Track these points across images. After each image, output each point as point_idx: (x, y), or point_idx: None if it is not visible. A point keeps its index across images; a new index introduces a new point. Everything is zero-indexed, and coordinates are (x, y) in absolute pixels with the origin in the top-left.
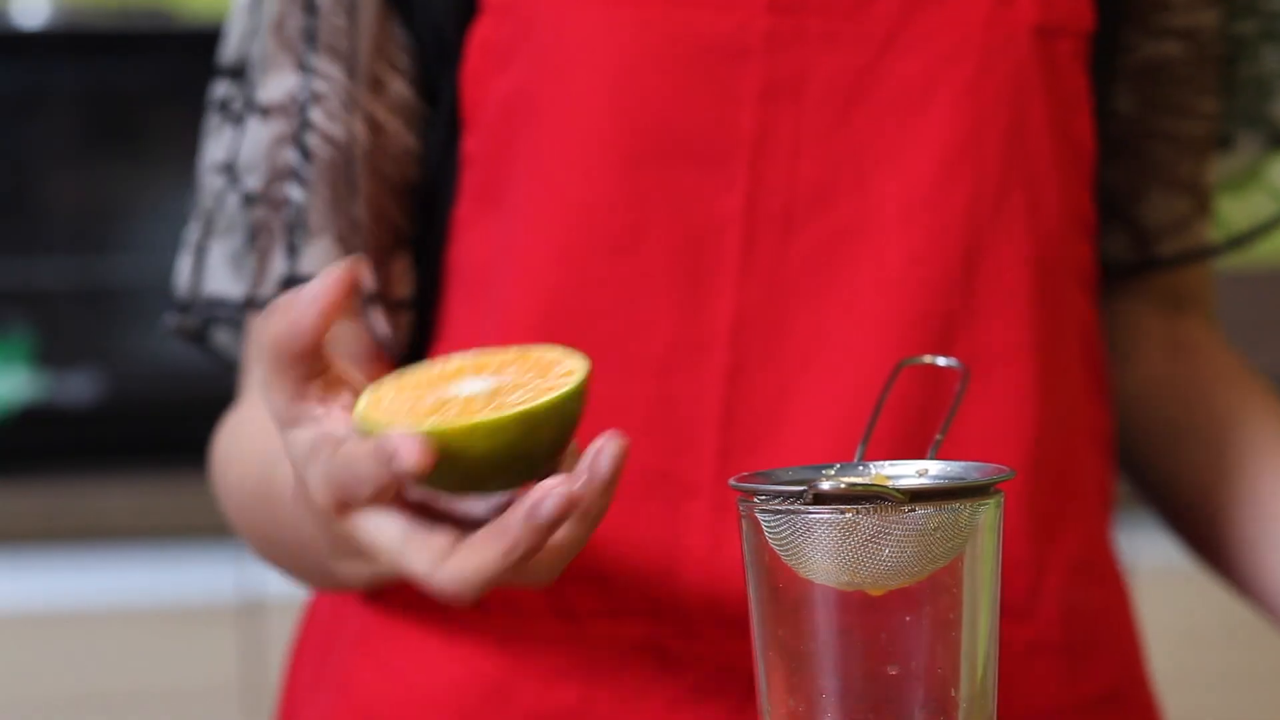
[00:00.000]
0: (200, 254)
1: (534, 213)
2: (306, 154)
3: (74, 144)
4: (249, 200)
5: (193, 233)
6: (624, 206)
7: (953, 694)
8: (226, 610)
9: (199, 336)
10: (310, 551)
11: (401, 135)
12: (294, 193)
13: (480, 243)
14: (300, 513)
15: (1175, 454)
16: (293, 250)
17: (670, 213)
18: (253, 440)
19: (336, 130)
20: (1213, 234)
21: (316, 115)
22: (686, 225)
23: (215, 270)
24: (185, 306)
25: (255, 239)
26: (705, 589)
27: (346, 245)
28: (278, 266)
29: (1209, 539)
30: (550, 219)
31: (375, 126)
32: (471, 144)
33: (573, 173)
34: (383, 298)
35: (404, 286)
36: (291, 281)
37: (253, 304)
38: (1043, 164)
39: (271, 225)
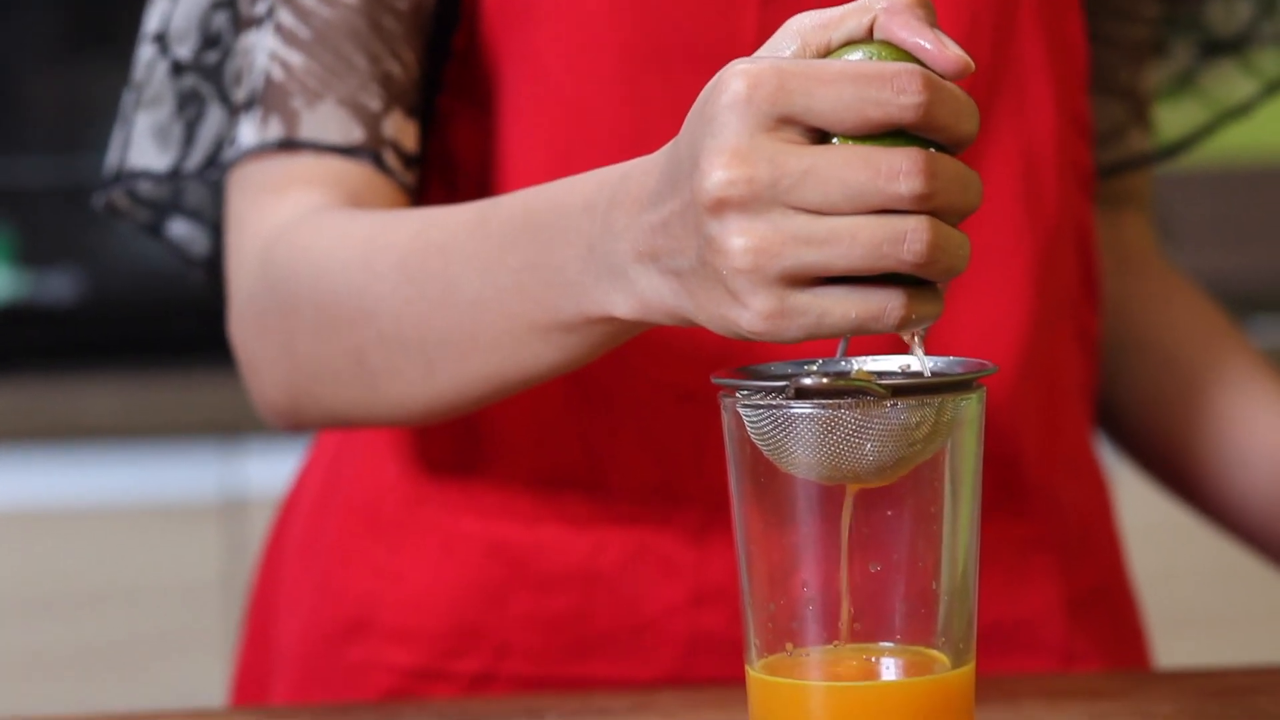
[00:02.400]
0: (128, 126)
1: (530, 113)
2: (303, 15)
3: (54, 42)
4: (178, 69)
5: (125, 105)
6: (623, 109)
7: (934, 587)
8: (209, 508)
9: (153, 228)
10: (516, 301)
11: None
12: (292, 57)
13: (467, 139)
14: (594, 227)
15: (1125, 374)
16: (294, 116)
17: (670, 116)
18: (384, 216)
19: None
20: (1149, 142)
21: None
22: None
23: (140, 142)
24: (112, 181)
25: (182, 109)
26: (705, 496)
27: (351, 108)
28: (246, 134)
29: (1161, 460)
30: (547, 121)
31: None
32: (461, 40)
33: (570, 75)
34: (396, 149)
35: (414, 142)
36: (291, 145)
37: (178, 176)
38: (1034, 64)
39: (202, 93)
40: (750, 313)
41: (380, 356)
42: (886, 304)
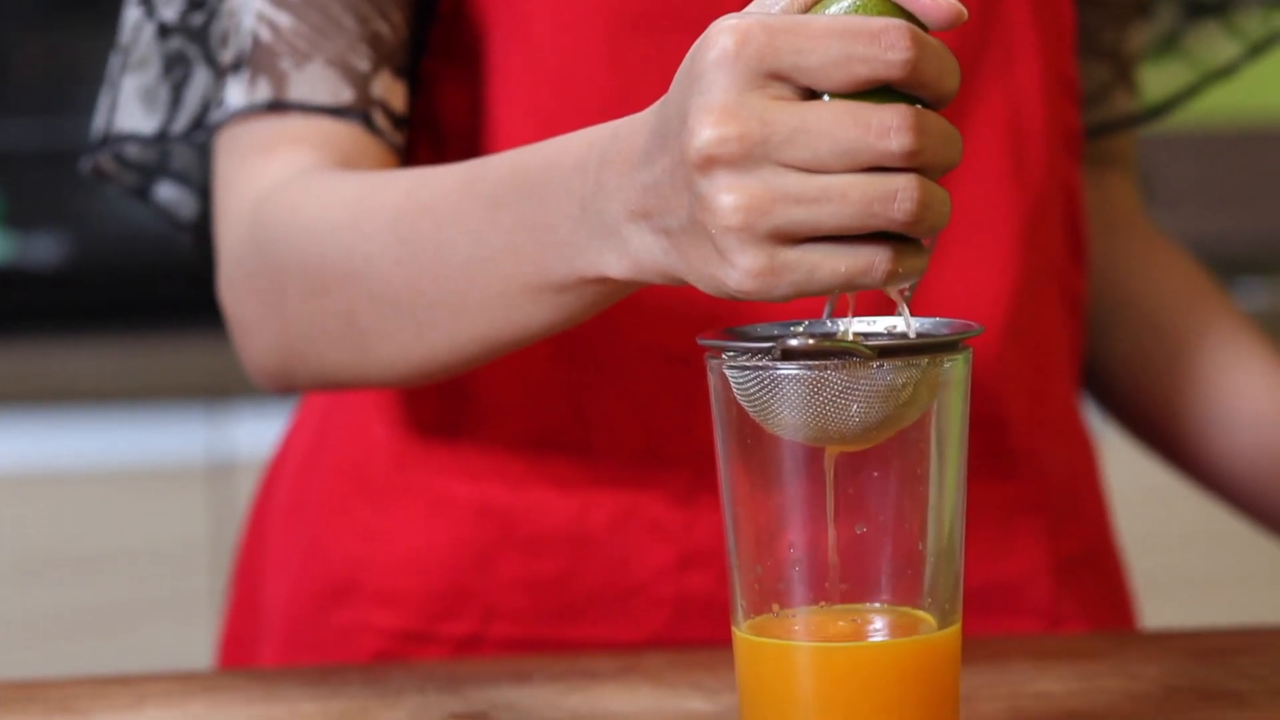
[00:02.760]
0: (115, 89)
1: (515, 76)
2: None
3: (40, 5)
4: (164, 31)
5: (112, 68)
6: (608, 74)
7: (920, 549)
8: (196, 471)
9: (141, 191)
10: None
11: None
12: (280, 17)
13: (453, 101)
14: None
15: (1108, 336)
16: (282, 77)
17: (656, 79)
18: (374, 177)
19: None
20: (1133, 103)
21: None
22: None
23: (127, 105)
24: (99, 144)
25: (169, 71)
26: (693, 459)
27: (340, 68)
28: (234, 95)
29: (1146, 423)
30: (532, 83)
31: None
32: (447, 2)
33: (556, 37)
34: (385, 109)
35: (402, 103)
36: (279, 106)
37: (165, 138)
38: (1020, 25)
39: (188, 55)
40: (738, 271)
41: (371, 318)
42: (874, 259)
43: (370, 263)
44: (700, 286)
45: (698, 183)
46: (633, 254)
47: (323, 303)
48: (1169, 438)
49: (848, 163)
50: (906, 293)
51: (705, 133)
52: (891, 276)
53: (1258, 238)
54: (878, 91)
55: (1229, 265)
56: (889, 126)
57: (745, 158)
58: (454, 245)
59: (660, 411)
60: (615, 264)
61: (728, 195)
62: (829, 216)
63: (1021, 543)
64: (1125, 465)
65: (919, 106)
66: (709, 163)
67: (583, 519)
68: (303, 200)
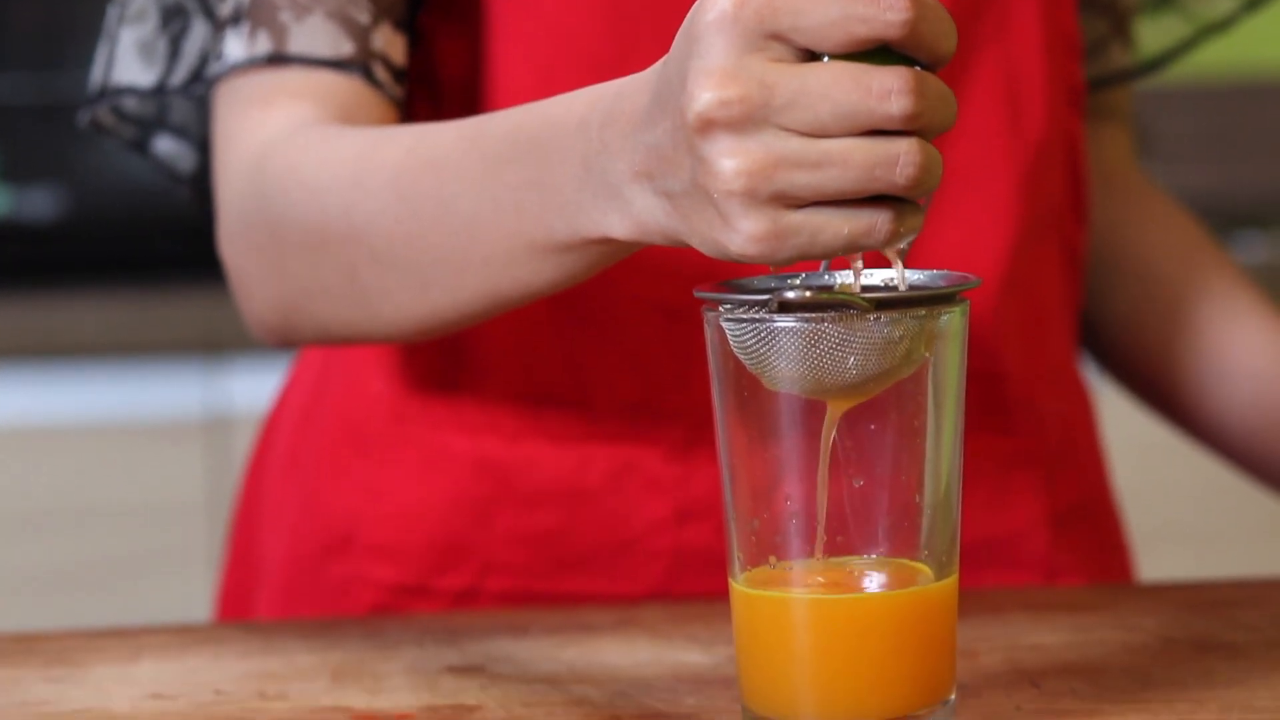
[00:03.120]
0: (112, 42)
1: (512, 31)
2: None
3: None
4: None
5: (109, 21)
6: (606, 27)
7: (917, 501)
8: (193, 426)
9: (139, 145)
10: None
11: None
12: None
13: (450, 56)
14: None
15: (1104, 291)
16: (282, 29)
17: (653, 36)
18: (374, 133)
19: None
20: (1129, 57)
21: None
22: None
23: (125, 58)
24: (97, 98)
25: (167, 24)
26: (689, 413)
27: (340, 20)
28: (233, 48)
29: (1142, 377)
30: (529, 38)
31: None
32: None
33: None
34: (385, 62)
35: (402, 55)
36: (279, 59)
37: (163, 91)
38: None
39: (186, 8)
40: (741, 235)
41: (372, 274)
42: (876, 221)
43: (371, 220)
44: (702, 249)
45: (698, 146)
46: (635, 215)
47: (323, 259)
48: (1165, 393)
49: (848, 126)
50: (903, 249)
51: (704, 96)
52: (893, 236)
53: (1255, 192)
54: (875, 53)
55: (1227, 219)
56: (889, 89)
57: (746, 121)
58: (456, 203)
59: (657, 366)
60: (618, 224)
61: (729, 160)
62: (831, 181)
63: (1018, 496)
64: (1122, 418)
65: (918, 69)
66: (708, 125)
67: (580, 473)
68: (303, 156)
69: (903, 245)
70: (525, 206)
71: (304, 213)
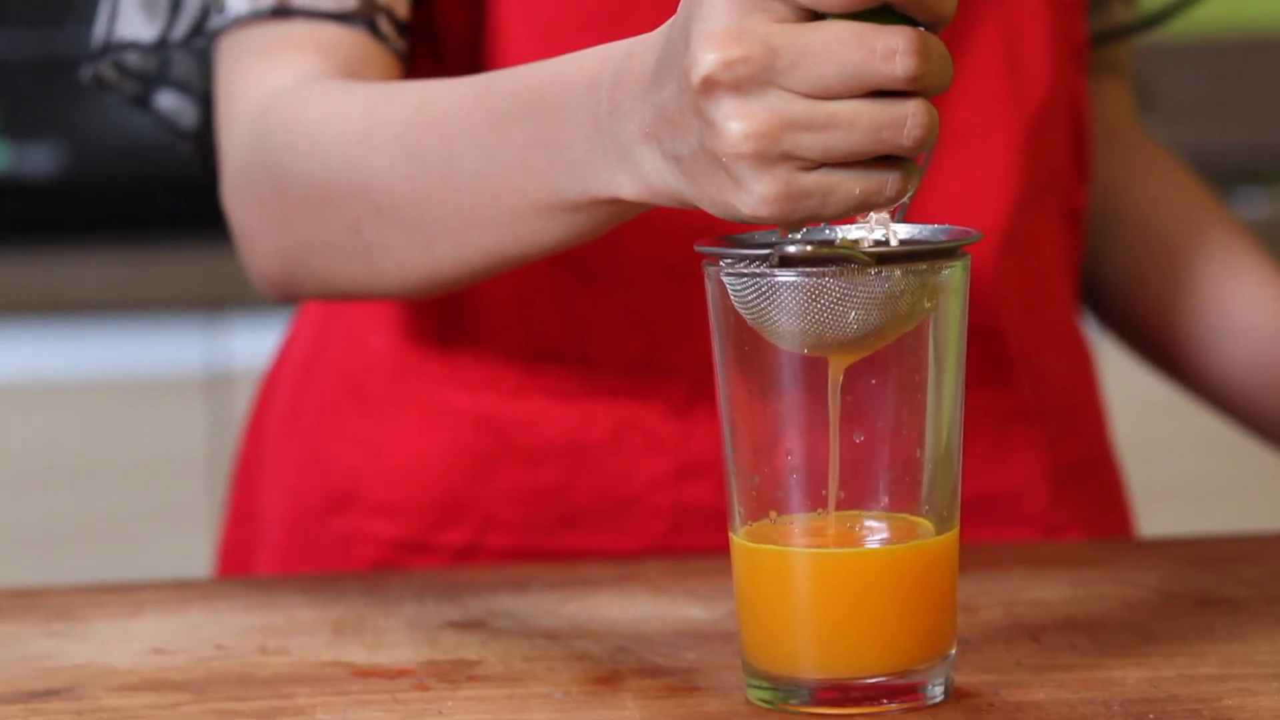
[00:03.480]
0: None
1: None
2: None
3: None
4: None
5: None
6: None
7: (918, 456)
8: (194, 382)
9: (141, 100)
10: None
11: None
12: None
13: (452, 11)
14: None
15: (1105, 247)
16: None
17: None
18: (380, 89)
19: None
20: (1131, 12)
21: None
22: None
23: (127, 12)
24: (100, 53)
25: None
26: (690, 370)
27: None
28: (236, 1)
29: (1143, 334)
30: None
31: None
32: None
33: None
34: (389, 15)
35: (405, 8)
36: (283, 11)
37: (165, 46)
38: None
39: None
40: (754, 198)
41: (376, 231)
42: (886, 180)
43: (376, 177)
44: (713, 211)
45: (704, 108)
46: (644, 177)
47: (327, 215)
48: (1165, 349)
49: (852, 86)
50: (900, 211)
51: (708, 58)
52: (901, 194)
53: (1257, 148)
54: (876, 12)
55: (1228, 175)
56: (894, 49)
57: (750, 82)
58: (463, 161)
59: (658, 323)
60: (628, 186)
61: (736, 122)
62: (838, 143)
63: (1019, 452)
64: (1123, 375)
65: (921, 29)
66: (712, 87)
67: (580, 430)
68: (307, 110)
69: (905, 200)
70: (533, 165)
71: (308, 168)
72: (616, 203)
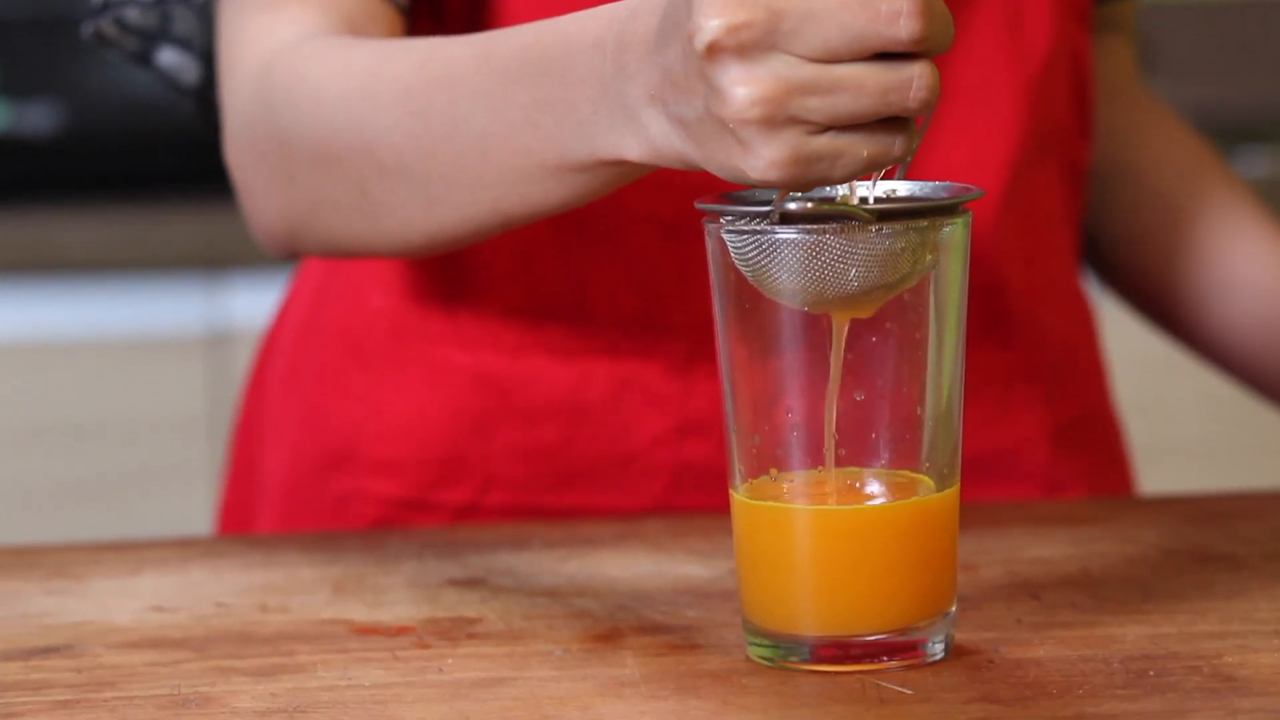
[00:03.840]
0: None
1: None
2: None
3: None
4: None
5: None
6: None
7: (918, 413)
8: (194, 341)
9: (142, 57)
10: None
11: None
12: None
13: None
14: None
15: (1106, 205)
16: None
17: None
18: (385, 46)
19: None
20: None
21: None
22: None
23: None
24: (100, 9)
25: None
26: (690, 328)
27: None
28: None
29: (1144, 293)
30: None
31: None
32: None
33: None
34: None
35: None
36: None
37: (166, 1)
38: None
39: None
40: (763, 162)
41: (381, 189)
42: (893, 142)
43: (381, 135)
44: (720, 175)
45: (709, 73)
46: (651, 139)
47: (332, 172)
48: (1165, 307)
49: (856, 50)
50: (901, 169)
51: (711, 23)
52: (906, 153)
53: (1258, 106)
54: None
55: (1229, 133)
56: (898, 12)
57: (754, 47)
58: (469, 120)
59: (658, 280)
60: (634, 148)
61: (742, 88)
62: (845, 106)
63: (1019, 410)
64: (1124, 332)
65: None
66: (717, 52)
67: (580, 388)
68: (311, 67)
69: (906, 158)
70: (539, 125)
71: (312, 125)
72: (622, 164)
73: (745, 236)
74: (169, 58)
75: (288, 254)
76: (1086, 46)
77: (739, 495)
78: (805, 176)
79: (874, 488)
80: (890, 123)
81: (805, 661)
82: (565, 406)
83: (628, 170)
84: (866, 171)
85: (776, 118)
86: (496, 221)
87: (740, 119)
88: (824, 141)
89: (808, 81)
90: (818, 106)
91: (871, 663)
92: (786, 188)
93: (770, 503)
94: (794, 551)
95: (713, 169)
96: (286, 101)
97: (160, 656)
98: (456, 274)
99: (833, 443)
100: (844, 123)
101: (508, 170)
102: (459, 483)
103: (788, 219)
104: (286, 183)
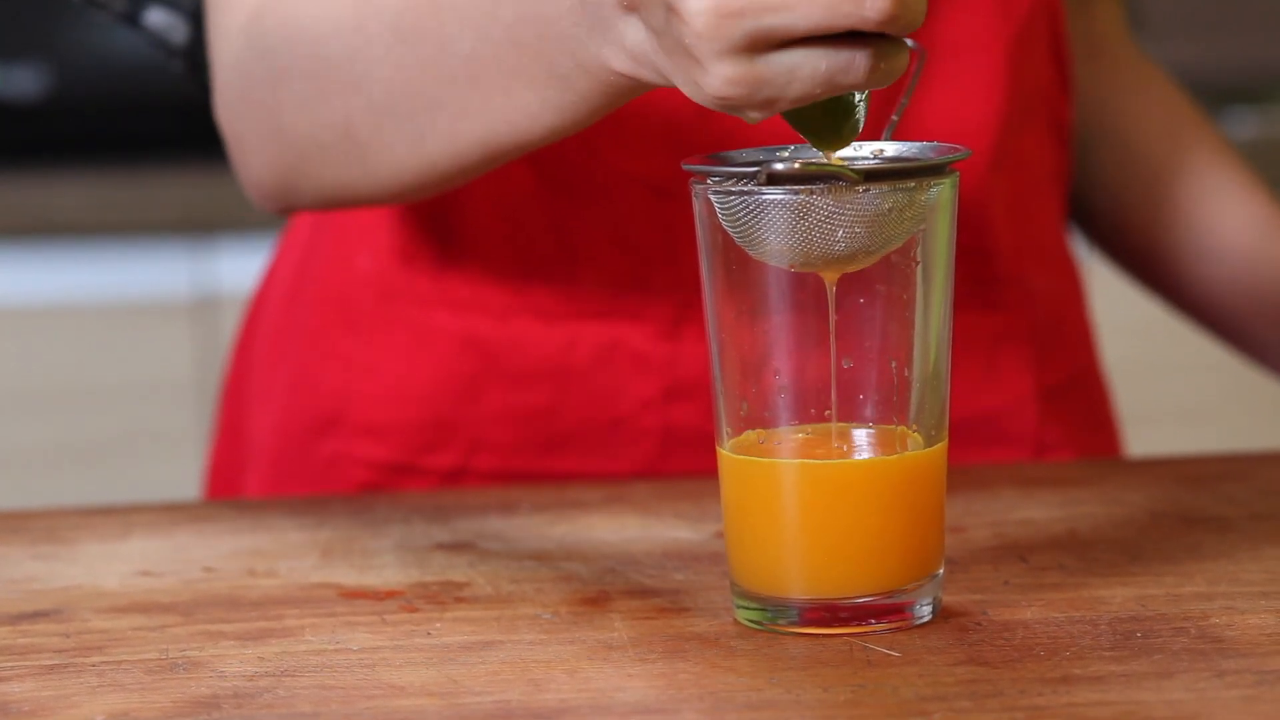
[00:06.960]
0: None
1: None
2: None
3: None
4: None
5: None
6: None
7: (906, 374)
8: (180, 305)
9: (130, 17)
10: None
11: None
12: None
13: None
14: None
15: (1092, 165)
16: None
17: None
18: None
19: None
20: None
21: None
22: None
23: None
24: None
25: None
26: (678, 291)
27: None
28: None
29: (1129, 252)
30: None
31: None
32: None
33: None
34: None
35: None
36: None
37: None
38: None
39: None
40: (717, 79)
41: (368, 127)
42: (853, 57)
43: (371, 66)
44: (684, 90)
45: None
46: (629, 47)
47: (320, 111)
48: (1150, 266)
49: None
50: (888, 128)
51: None
52: (874, 73)
53: (1246, 66)
54: None
55: (1218, 94)
56: None
57: None
58: (457, 42)
59: (646, 243)
60: (615, 57)
61: (695, 3)
62: (798, 21)
63: (1007, 372)
64: (1112, 294)
65: None
66: None
67: (568, 351)
68: (301, 7)
69: (895, 116)
70: (523, 41)
71: (304, 61)
72: (608, 74)
73: (732, 197)
74: (157, 18)
75: (280, 208)
76: (1059, 3)
77: (726, 451)
78: (760, 92)
79: (861, 444)
80: (851, 39)
81: (793, 624)
82: (553, 370)
83: (613, 89)
84: (828, 91)
85: (731, 34)
86: (487, 154)
87: (695, 33)
88: (778, 57)
89: None
90: (772, 22)
91: (859, 625)
92: (743, 105)
93: (757, 458)
94: (781, 508)
95: (678, 82)
96: (278, 42)
97: (148, 621)
98: (444, 236)
99: (835, 398)
100: (799, 36)
101: (494, 92)
102: (447, 446)
103: (775, 179)
104: (275, 131)
